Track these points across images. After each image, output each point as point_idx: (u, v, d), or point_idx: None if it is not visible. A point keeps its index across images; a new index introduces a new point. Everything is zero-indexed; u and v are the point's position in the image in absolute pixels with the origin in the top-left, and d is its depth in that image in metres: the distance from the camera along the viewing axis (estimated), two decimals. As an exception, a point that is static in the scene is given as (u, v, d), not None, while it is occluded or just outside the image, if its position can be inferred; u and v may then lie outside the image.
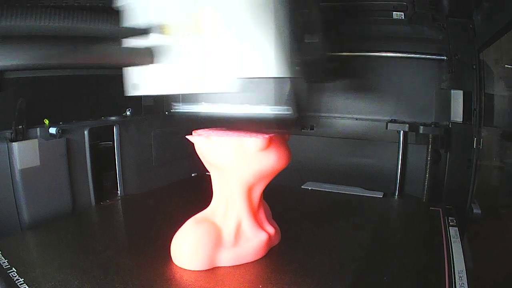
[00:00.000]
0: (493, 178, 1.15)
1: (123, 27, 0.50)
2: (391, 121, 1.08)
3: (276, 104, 0.47)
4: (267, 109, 0.47)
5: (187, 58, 0.49)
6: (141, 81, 0.54)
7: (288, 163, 0.59)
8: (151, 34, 0.49)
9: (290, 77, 0.46)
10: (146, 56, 0.49)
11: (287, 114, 0.46)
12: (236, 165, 0.56)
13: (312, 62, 0.55)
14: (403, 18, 1.02)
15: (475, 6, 0.93)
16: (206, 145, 0.56)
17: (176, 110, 0.54)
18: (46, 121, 0.82)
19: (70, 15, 0.45)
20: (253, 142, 0.54)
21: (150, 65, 0.50)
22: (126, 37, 0.50)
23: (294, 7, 0.47)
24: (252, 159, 0.55)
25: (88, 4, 0.63)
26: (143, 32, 0.49)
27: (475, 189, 0.98)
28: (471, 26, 0.98)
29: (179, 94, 0.54)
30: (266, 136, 0.55)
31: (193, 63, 0.49)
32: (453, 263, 0.59)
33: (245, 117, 0.49)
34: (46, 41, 0.42)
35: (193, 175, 1.16)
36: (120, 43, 0.50)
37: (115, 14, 0.51)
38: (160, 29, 0.49)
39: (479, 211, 0.96)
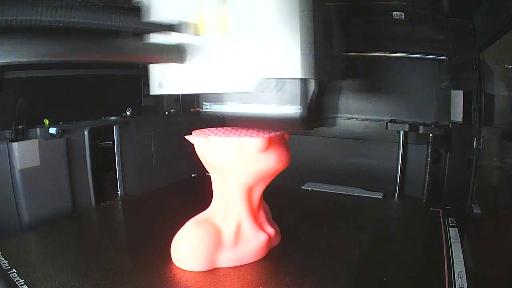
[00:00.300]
0: (493, 178, 1.15)
1: (149, 22, 0.49)
2: (391, 121, 1.08)
3: (295, 104, 0.47)
4: (286, 109, 0.48)
5: (213, 57, 0.49)
6: (166, 80, 0.54)
7: (288, 164, 0.59)
8: (177, 31, 0.49)
9: (313, 78, 0.47)
10: (174, 53, 0.49)
11: (300, 114, 0.47)
12: (236, 167, 0.56)
13: (331, 62, 0.55)
14: (403, 18, 1.02)
15: (475, 6, 0.93)
16: (206, 146, 0.56)
17: (207, 110, 0.54)
18: (46, 121, 0.82)
19: (97, 9, 0.43)
20: (253, 144, 0.54)
21: (178, 63, 0.50)
22: (151, 32, 0.49)
23: (318, 7, 0.48)
24: (252, 160, 0.55)
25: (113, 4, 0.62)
26: (168, 29, 0.49)
27: (475, 189, 0.98)
28: (471, 26, 0.98)
29: (204, 94, 0.54)
30: (266, 136, 0.55)
31: (218, 63, 0.49)
32: (453, 264, 0.59)
33: (269, 117, 0.50)
34: (68, 35, 0.41)
35: (193, 175, 1.16)
36: (144, 40, 0.50)
37: (138, 9, 0.51)
38: (187, 27, 0.49)
39: (479, 211, 0.96)
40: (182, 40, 0.49)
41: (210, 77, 0.50)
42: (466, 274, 0.56)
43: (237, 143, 0.55)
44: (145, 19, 0.49)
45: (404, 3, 0.97)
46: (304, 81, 0.47)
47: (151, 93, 0.55)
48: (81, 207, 0.86)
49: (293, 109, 0.47)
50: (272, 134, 0.57)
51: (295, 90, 0.47)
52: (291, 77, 0.46)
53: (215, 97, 0.53)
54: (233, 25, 0.47)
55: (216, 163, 0.57)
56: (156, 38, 0.50)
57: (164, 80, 0.54)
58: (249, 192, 0.59)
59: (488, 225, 1.00)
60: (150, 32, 0.49)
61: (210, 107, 0.54)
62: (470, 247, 0.88)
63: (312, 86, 0.47)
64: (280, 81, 0.47)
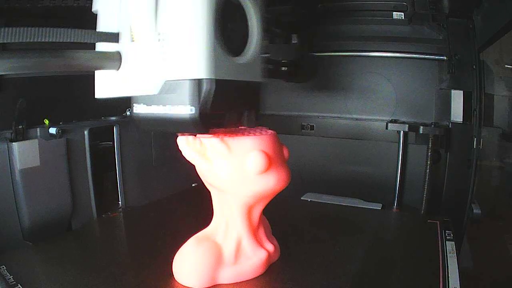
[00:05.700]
0: (493, 178, 1.15)
1: (93, 32, 0.51)
2: (391, 121, 1.08)
3: (193, 104, 0.47)
4: (185, 109, 0.47)
5: (129, 62, 0.50)
6: (102, 85, 0.55)
7: (288, 184, 0.59)
8: (117, 39, 0.50)
9: (213, 78, 0.46)
10: (110, 61, 0.50)
11: (197, 114, 0.46)
12: (236, 187, 0.56)
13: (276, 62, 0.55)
14: (403, 18, 1.02)
15: (475, 6, 0.93)
16: (205, 166, 0.56)
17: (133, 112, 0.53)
18: (46, 121, 0.82)
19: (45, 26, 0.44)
20: (253, 166, 0.54)
21: (113, 69, 0.51)
22: (96, 42, 0.51)
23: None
24: (252, 181, 0.55)
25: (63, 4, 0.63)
26: (110, 37, 0.50)
27: (475, 189, 0.98)
28: (471, 26, 0.98)
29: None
30: (266, 158, 0.55)
31: (131, 67, 0.50)
32: (448, 279, 0.59)
33: (167, 118, 0.49)
34: (17, 52, 0.42)
35: (193, 185, 1.14)
36: (89, 49, 0.51)
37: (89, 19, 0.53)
38: (122, 34, 0.50)
39: (479, 211, 0.96)
40: (114, 47, 0.50)
41: (126, 81, 0.51)
42: None
43: (236, 165, 0.54)
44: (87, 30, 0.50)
45: (404, 3, 0.97)
46: (202, 81, 0.46)
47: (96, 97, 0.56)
48: (81, 207, 0.86)
49: (192, 110, 0.47)
50: (267, 133, 0.57)
51: (193, 90, 0.46)
52: (190, 78, 0.46)
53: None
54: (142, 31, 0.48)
55: (216, 184, 0.58)
56: (99, 46, 0.52)
57: (101, 84, 0.55)
58: (249, 211, 0.59)
59: (488, 225, 1.01)
60: (96, 41, 0.50)
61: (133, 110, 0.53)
62: (469, 247, 0.88)
63: (213, 85, 0.46)
64: (180, 82, 0.46)
